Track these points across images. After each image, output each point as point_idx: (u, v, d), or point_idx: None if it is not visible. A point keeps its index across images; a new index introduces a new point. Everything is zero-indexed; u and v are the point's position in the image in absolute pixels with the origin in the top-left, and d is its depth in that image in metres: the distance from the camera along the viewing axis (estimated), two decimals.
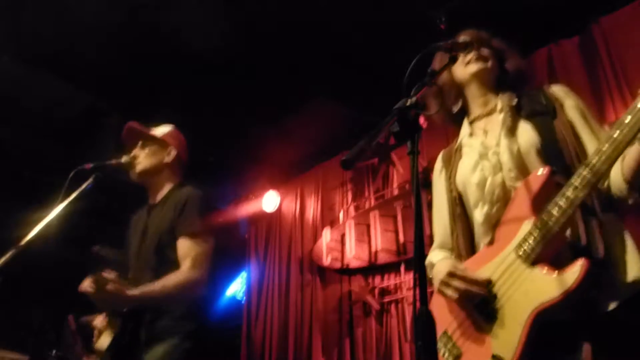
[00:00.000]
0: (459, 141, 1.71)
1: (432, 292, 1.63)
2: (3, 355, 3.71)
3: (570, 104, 1.52)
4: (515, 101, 1.57)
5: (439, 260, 1.63)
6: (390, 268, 4.29)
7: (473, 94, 1.69)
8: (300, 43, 3.78)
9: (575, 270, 1.21)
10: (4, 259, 1.86)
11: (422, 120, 1.21)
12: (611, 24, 3.34)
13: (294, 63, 3.96)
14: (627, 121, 1.20)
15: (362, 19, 3.61)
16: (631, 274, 1.28)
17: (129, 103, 4.03)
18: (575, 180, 1.26)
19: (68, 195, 2.06)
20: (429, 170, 3.99)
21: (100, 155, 2.34)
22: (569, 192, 1.27)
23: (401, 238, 4.22)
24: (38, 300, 5.42)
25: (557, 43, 3.55)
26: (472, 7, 3.25)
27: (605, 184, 1.37)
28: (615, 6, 3.33)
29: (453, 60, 1.50)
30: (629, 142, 1.22)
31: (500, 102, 1.60)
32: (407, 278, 4.11)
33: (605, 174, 1.28)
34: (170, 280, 2.06)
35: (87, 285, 1.92)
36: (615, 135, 1.21)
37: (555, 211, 1.29)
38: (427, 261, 1.68)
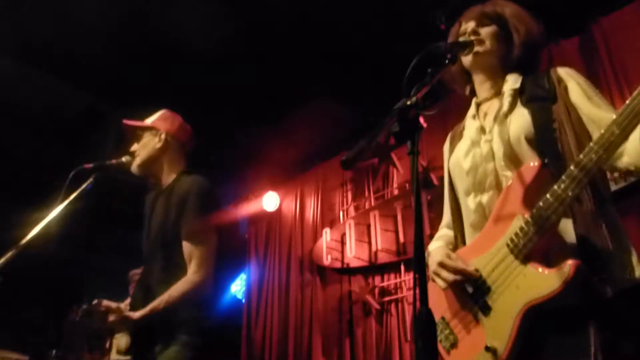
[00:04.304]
0: (464, 121, 1.70)
1: None
2: (3, 355, 3.70)
3: (574, 86, 1.48)
4: (518, 85, 1.53)
5: (434, 248, 1.64)
6: (390, 268, 4.29)
7: (479, 79, 1.67)
8: (300, 43, 3.79)
9: (565, 270, 1.21)
10: (4, 259, 1.86)
11: (422, 120, 1.21)
12: (611, 24, 3.33)
13: (294, 63, 3.96)
14: (618, 120, 1.18)
15: (362, 19, 3.62)
16: (628, 269, 1.26)
17: (128, 103, 4.03)
18: (567, 178, 1.25)
19: (68, 195, 2.05)
20: (429, 170, 4.00)
21: (100, 155, 2.33)
22: (560, 190, 1.25)
23: (401, 238, 4.22)
24: (38, 300, 5.42)
25: (557, 43, 3.54)
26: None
27: (623, 162, 1.32)
28: (615, 6, 3.33)
29: (453, 60, 1.50)
30: (622, 141, 1.20)
31: (504, 85, 1.57)
32: (407, 278, 4.11)
33: (597, 173, 1.26)
34: (177, 289, 2.07)
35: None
36: (606, 135, 1.19)
37: (546, 208, 1.28)
38: (428, 247, 1.70)
